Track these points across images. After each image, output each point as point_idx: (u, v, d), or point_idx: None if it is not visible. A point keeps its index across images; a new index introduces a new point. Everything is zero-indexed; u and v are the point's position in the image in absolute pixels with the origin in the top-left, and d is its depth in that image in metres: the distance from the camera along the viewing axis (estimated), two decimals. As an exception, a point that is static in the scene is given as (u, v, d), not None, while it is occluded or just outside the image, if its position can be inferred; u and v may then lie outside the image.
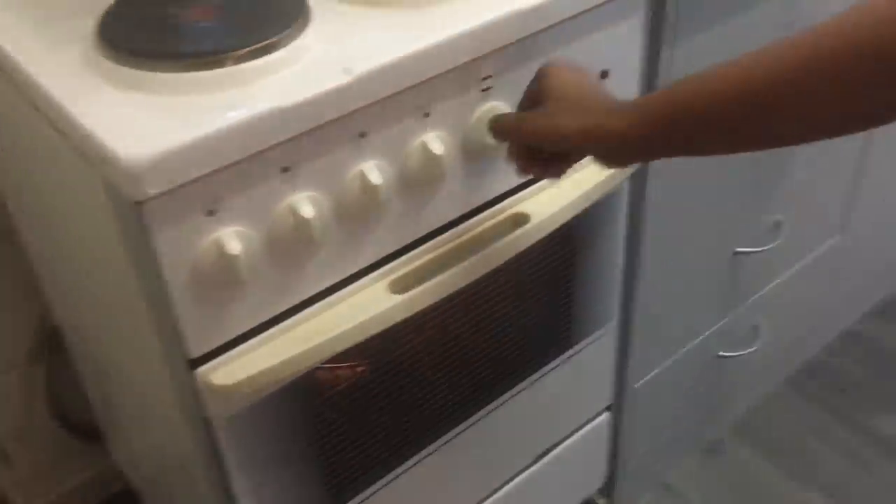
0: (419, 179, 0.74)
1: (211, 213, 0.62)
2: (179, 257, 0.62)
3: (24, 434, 1.36)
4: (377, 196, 0.70)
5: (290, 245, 0.68)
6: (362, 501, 0.90)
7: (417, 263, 0.79)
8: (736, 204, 1.16)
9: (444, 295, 0.78)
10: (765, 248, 1.24)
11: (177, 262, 0.62)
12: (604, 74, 0.83)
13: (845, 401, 1.56)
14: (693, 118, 0.59)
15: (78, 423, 1.39)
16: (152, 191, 0.58)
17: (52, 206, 0.85)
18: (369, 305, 0.74)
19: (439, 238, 0.80)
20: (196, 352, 0.68)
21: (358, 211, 0.71)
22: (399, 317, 0.75)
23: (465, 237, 0.81)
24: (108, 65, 0.66)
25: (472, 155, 0.77)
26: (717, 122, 0.58)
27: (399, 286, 0.77)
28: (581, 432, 1.15)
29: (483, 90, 0.75)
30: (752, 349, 1.34)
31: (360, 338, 0.73)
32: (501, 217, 0.83)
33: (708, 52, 0.94)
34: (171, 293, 0.63)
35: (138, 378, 0.88)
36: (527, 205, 0.83)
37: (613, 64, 0.84)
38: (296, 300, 0.71)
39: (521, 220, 0.82)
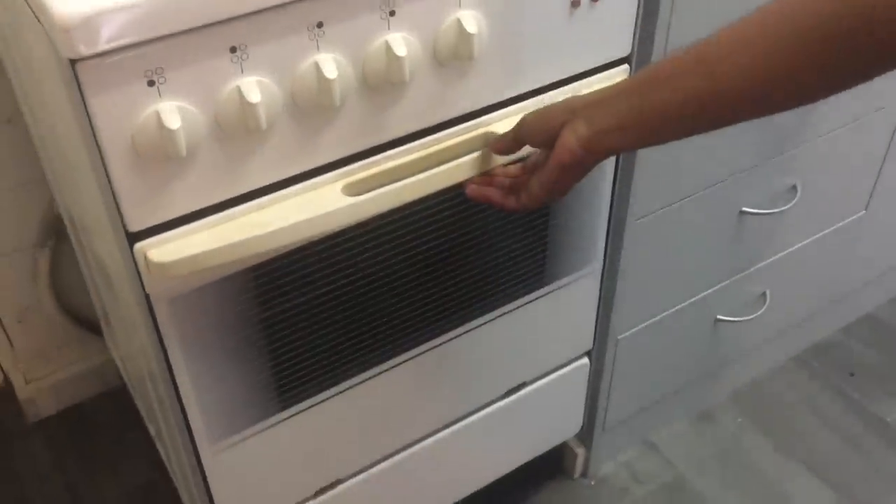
0: (380, 81, 0.72)
1: (151, 83, 0.62)
2: (117, 125, 0.62)
3: (28, 317, 1.40)
4: (331, 91, 0.68)
5: (235, 130, 0.67)
6: (310, 407, 0.90)
7: (377, 169, 0.78)
8: (748, 159, 1.12)
9: (401, 202, 0.77)
10: (775, 210, 1.19)
11: (114, 129, 0.62)
12: (595, -4, 0.80)
13: (851, 383, 1.51)
14: (668, 124, 0.63)
15: (80, 312, 1.43)
16: (85, 50, 0.57)
17: (34, 80, 0.86)
18: (320, 204, 0.74)
19: (402, 148, 0.78)
20: (134, 226, 0.68)
21: (311, 106, 0.70)
22: (349, 219, 0.75)
23: (430, 150, 0.79)
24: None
25: (441, 63, 0.75)
26: (690, 124, 0.62)
27: (355, 189, 0.76)
28: (557, 374, 1.13)
29: (457, -4, 0.72)
30: (754, 316, 1.30)
31: (304, 235, 0.73)
32: (471, 134, 0.81)
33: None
34: (108, 161, 0.64)
35: (106, 258, 0.89)
36: (501, 125, 0.81)
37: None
38: (241, 189, 0.71)
39: (492, 138, 0.80)
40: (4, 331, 1.40)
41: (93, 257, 1.10)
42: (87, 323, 1.44)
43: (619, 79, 0.86)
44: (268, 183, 0.72)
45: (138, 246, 0.69)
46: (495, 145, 0.78)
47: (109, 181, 0.65)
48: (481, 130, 0.81)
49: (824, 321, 1.56)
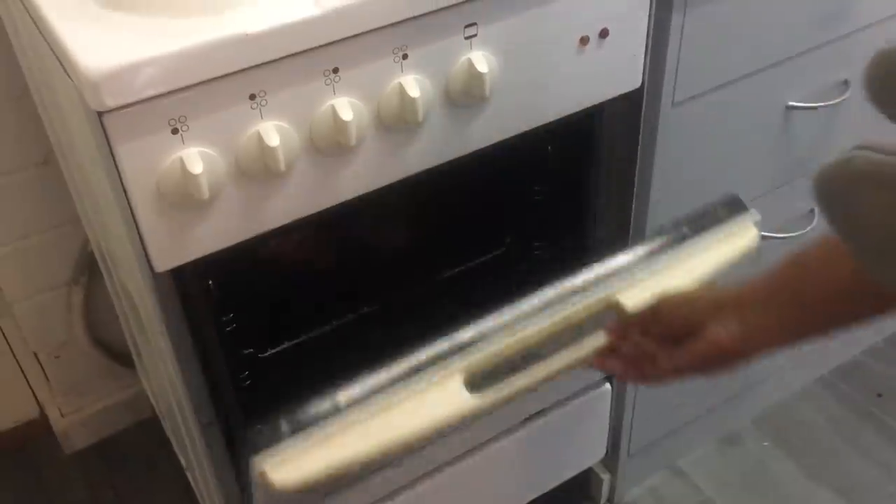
0: (395, 122, 0.75)
1: (175, 131, 0.65)
2: (143, 171, 0.65)
3: (63, 352, 1.44)
4: (348, 133, 0.71)
5: (256, 173, 0.70)
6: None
7: (498, 349, 0.71)
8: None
9: (527, 389, 0.71)
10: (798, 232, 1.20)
11: (140, 175, 0.65)
12: (603, 33, 0.82)
13: (879, 405, 1.50)
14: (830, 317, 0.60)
15: (113, 346, 1.47)
16: (111, 102, 0.60)
17: (65, 125, 0.89)
18: (443, 401, 0.69)
19: (518, 309, 0.73)
20: (160, 267, 0.71)
21: (329, 147, 0.72)
22: (475, 414, 0.70)
23: (552, 320, 0.72)
24: (99, -13, 0.69)
25: (452, 102, 0.77)
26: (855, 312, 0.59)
27: (476, 377, 0.70)
28: (579, 399, 1.15)
29: (467, 37, 0.75)
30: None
31: (425, 437, 0.68)
32: (594, 300, 0.73)
33: (726, 16, 0.92)
34: (134, 205, 0.67)
35: (135, 294, 0.92)
36: (628, 294, 0.74)
37: (615, 22, 0.83)
38: (262, 229, 0.74)
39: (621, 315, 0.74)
40: (41, 365, 1.44)
41: (123, 292, 1.13)
42: (120, 356, 1.48)
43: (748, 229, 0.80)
44: (286, 222, 0.75)
45: (256, 459, 0.65)
46: (626, 328, 0.73)
47: (136, 224, 0.68)
48: (603, 295, 0.74)
49: (848, 341, 1.55)
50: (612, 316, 0.73)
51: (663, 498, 1.36)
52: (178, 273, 0.74)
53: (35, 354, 1.42)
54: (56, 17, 0.66)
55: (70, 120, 0.82)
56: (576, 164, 0.98)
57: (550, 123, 0.86)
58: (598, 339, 0.73)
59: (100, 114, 0.61)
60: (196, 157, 0.66)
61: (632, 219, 1.03)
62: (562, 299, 0.73)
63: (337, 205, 0.77)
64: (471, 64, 0.75)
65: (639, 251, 0.76)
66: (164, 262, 0.71)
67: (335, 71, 0.70)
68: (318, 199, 0.75)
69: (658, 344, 0.70)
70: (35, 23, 0.73)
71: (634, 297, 0.72)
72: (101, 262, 1.27)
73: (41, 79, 0.94)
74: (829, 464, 1.40)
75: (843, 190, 0.35)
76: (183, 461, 1.26)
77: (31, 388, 1.46)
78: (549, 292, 0.74)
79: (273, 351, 1.00)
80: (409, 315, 1.07)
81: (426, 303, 1.05)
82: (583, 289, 0.74)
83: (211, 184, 0.67)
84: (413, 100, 0.73)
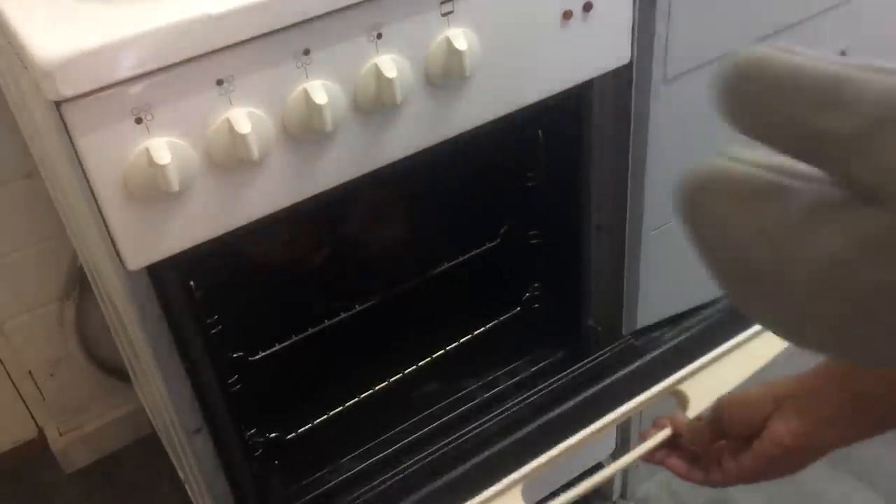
0: (373, 105, 0.72)
1: (139, 120, 0.62)
2: (107, 164, 0.62)
3: (58, 370, 1.41)
4: (323, 117, 0.68)
5: (228, 162, 0.67)
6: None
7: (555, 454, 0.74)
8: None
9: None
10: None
11: (104, 168, 0.62)
12: (587, 6, 0.79)
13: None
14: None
15: (108, 362, 1.44)
16: (68, 91, 0.58)
17: (36, 128, 0.87)
18: None
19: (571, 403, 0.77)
20: (133, 265, 0.68)
21: (304, 133, 0.69)
22: None
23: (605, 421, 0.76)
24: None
25: (432, 83, 0.74)
26: None
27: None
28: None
29: (444, 14, 0.72)
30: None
31: None
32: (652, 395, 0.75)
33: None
34: (101, 201, 0.64)
35: (116, 300, 0.89)
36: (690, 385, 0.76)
37: (599, -5, 0.80)
38: (239, 222, 0.71)
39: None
40: (36, 384, 1.41)
41: (110, 303, 1.10)
42: (116, 372, 1.45)
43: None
44: (263, 214, 0.72)
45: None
46: (688, 435, 0.71)
47: (105, 221, 0.65)
48: (661, 388, 0.75)
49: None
50: (671, 402, 0.73)
51: (676, 492, 1.32)
52: (155, 272, 0.71)
53: (30, 373, 1.40)
54: (11, 7, 0.64)
55: (38, 119, 0.80)
56: (567, 148, 0.95)
57: (539, 105, 0.83)
58: (660, 433, 0.71)
59: (58, 104, 0.59)
60: (163, 147, 0.63)
61: (628, 201, 1.00)
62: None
63: (317, 194, 0.74)
64: (449, 41, 0.72)
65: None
66: (137, 259, 0.68)
67: (306, 52, 0.67)
68: (296, 189, 0.72)
69: (723, 446, 0.67)
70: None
71: (695, 385, 0.72)
72: (89, 273, 1.24)
73: (13, 81, 0.92)
74: (849, 450, 1.36)
75: (690, 201, 0.31)
76: (181, 474, 1.23)
77: (27, 407, 1.44)
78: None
79: (264, 354, 0.97)
80: (405, 312, 1.04)
81: (421, 299, 1.02)
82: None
83: (181, 175, 0.64)
84: (390, 81, 0.70)
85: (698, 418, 0.70)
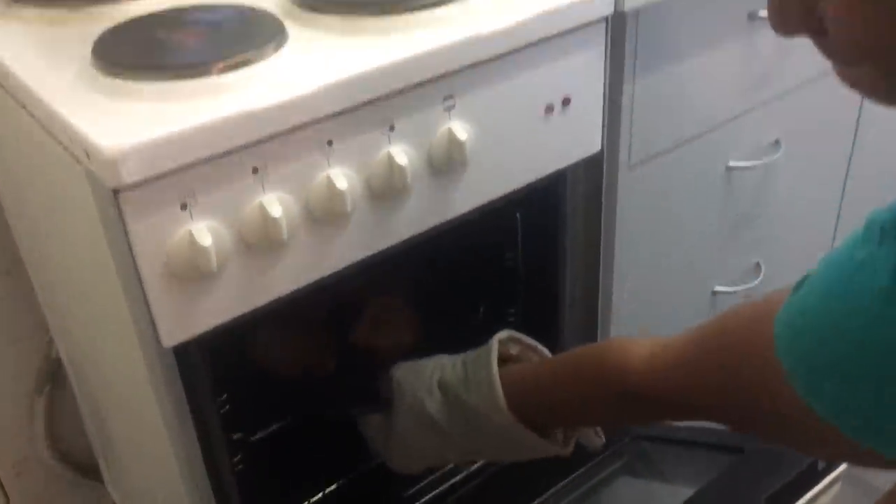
0: (385, 189, 0.79)
1: (184, 206, 0.67)
2: (153, 247, 0.67)
3: (25, 468, 1.39)
4: (343, 201, 0.74)
5: (260, 243, 0.72)
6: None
7: None
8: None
9: None
10: (745, 286, 1.27)
11: (151, 251, 0.67)
12: (566, 101, 0.89)
13: None
14: None
15: (76, 458, 1.43)
16: (128, 179, 0.63)
17: (46, 222, 0.90)
18: None
19: None
20: (168, 342, 0.72)
21: (326, 215, 0.76)
22: None
23: None
24: (100, 77, 0.72)
25: (435, 169, 0.82)
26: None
27: None
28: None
29: (446, 109, 0.80)
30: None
31: None
32: None
33: (671, 86, 1.00)
34: (145, 281, 0.68)
35: (125, 386, 0.92)
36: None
37: (576, 91, 0.89)
38: (265, 299, 0.76)
39: None
40: (1, 485, 1.38)
41: (91, 399, 1.11)
42: (84, 468, 1.44)
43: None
44: (288, 291, 0.77)
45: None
46: None
47: (146, 300, 0.69)
48: None
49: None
50: None
51: None
52: (181, 351, 0.75)
53: (-5, 473, 1.37)
54: (59, 103, 0.69)
55: (56, 213, 0.84)
56: (543, 230, 1.04)
57: (520, 190, 0.91)
58: None
59: (115, 192, 0.64)
60: (204, 230, 0.68)
61: (600, 281, 1.08)
62: None
63: (329, 275, 0.80)
64: (451, 132, 0.80)
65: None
66: (173, 336, 0.72)
67: (329, 143, 0.74)
68: (315, 268, 0.78)
69: None
70: (26, 108, 0.75)
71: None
72: (68, 367, 1.25)
73: (8, 182, 0.95)
74: None
75: None
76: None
77: (-10, 510, 1.40)
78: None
79: (262, 434, 1.00)
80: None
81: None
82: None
83: (218, 256, 0.69)
84: (402, 167, 0.77)
85: None
